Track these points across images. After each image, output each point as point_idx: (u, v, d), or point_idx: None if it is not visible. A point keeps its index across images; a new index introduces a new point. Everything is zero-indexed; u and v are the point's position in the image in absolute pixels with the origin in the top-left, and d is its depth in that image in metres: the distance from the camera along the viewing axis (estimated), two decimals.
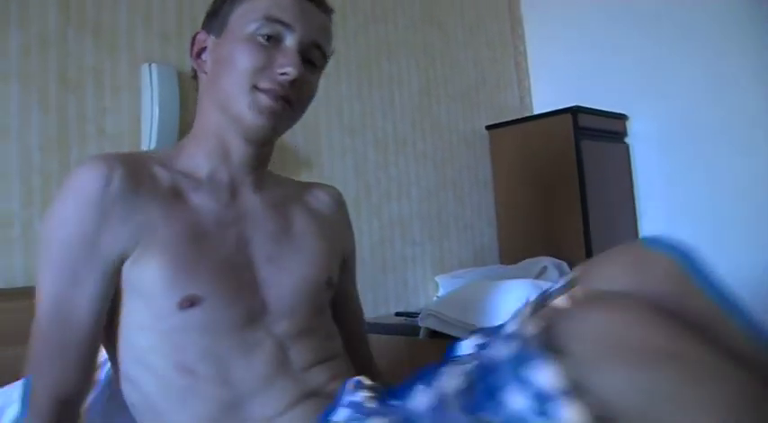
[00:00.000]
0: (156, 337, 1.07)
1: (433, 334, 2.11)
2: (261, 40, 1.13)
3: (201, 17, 2.11)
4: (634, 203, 3.08)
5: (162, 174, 1.13)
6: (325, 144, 2.57)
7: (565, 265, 2.72)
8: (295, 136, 2.45)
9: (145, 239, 1.06)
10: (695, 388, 0.70)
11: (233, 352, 1.08)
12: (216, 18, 1.19)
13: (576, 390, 0.72)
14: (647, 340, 0.73)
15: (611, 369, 0.72)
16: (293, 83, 1.12)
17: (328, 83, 2.59)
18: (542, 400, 0.74)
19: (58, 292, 1.04)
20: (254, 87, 1.12)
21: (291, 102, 1.14)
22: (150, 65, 2.08)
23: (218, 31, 1.18)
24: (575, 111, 2.84)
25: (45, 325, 1.05)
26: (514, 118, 3.23)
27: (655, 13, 3.05)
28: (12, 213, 1.83)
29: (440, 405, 0.90)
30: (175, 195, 1.13)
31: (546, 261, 2.67)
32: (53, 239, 1.04)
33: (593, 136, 2.90)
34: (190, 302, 1.05)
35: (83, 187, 1.03)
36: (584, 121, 2.86)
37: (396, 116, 2.84)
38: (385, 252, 2.72)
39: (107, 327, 1.09)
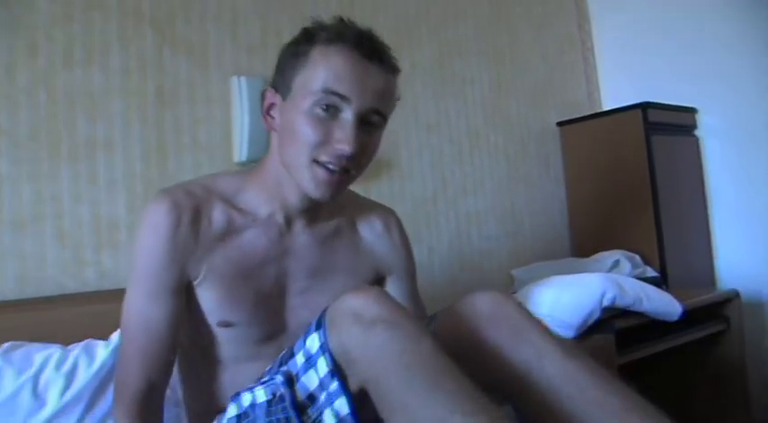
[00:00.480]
0: (196, 338, 1.36)
1: None
2: (320, 111, 1.22)
3: (283, 30, 2.28)
4: (705, 195, 3.10)
5: (222, 212, 1.33)
6: (403, 143, 2.68)
7: (637, 257, 2.77)
8: None
9: (205, 269, 1.30)
10: (394, 343, 1.04)
11: (249, 357, 1.36)
12: (281, 78, 1.29)
13: (326, 347, 1.10)
14: (372, 311, 1.07)
15: (347, 328, 1.08)
16: (350, 155, 1.22)
17: (404, 84, 2.66)
18: (310, 357, 1.14)
19: (141, 307, 1.29)
20: (314, 161, 1.23)
21: (349, 170, 1.26)
22: (239, 77, 2.21)
23: (283, 93, 1.28)
24: (644, 106, 2.88)
25: (132, 332, 1.30)
26: (584, 113, 3.29)
27: (722, 5, 3.07)
28: (118, 218, 2.00)
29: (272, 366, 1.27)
30: (231, 231, 1.33)
31: (618, 254, 2.72)
32: (137, 266, 1.29)
33: (662, 130, 2.93)
34: (225, 324, 1.32)
35: (158, 224, 1.27)
36: (654, 116, 2.90)
37: (468, 113, 2.93)
38: (462, 246, 2.81)
39: None
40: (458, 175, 2.85)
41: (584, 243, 3.14)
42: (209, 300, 1.31)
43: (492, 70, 3.06)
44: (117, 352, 1.43)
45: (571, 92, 3.43)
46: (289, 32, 2.30)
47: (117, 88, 2.03)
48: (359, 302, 1.09)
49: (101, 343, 1.65)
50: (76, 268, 1.91)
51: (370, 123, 1.26)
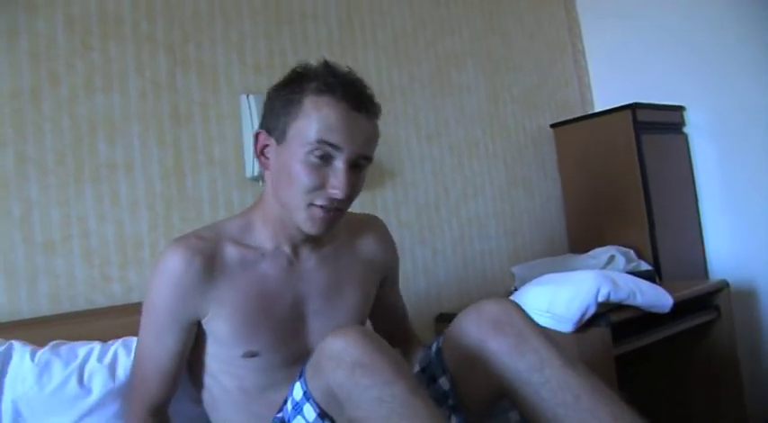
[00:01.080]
0: (227, 367, 1.46)
1: None
2: (315, 159, 1.32)
3: (287, 49, 2.39)
4: (694, 190, 3.21)
5: (233, 252, 1.44)
6: (405, 153, 2.79)
7: (631, 252, 2.88)
8: (379, 147, 2.67)
9: (214, 308, 1.40)
10: (373, 390, 1.13)
11: (278, 383, 1.44)
12: (275, 123, 1.39)
13: (309, 395, 1.23)
14: (352, 355, 1.16)
15: (332, 372, 1.17)
16: (343, 199, 1.35)
17: (405, 96, 2.82)
18: (296, 404, 1.27)
19: (149, 342, 1.44)
20: (311, 204, 1.36)
21: (342, 209, 1.40)
22: (248, 96, 2.31)
23: (278, 138, 1.39)
24: (633, 107, 2.99)
25: (141, 360, 1.47)
26: (577, 114, 3.41)
27: (708, 5, 3.16)
28: (142, 236, 2.11)
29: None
30: (243, 267, 1.44)
31: (613, 250, 2.83)
32: (148, 306, 1.43)
33: (652, 129, 3.05)
34: (251, 354, 1.43)
35: (170, 270, 1.38)
36: (643, 115, 3.01)
37: (467, 121, 3.05)
38: (465, 248, 2.93)
39: (193, 352, 1.48)
40: (459, 182, 2.97)
41: (580, 240, 3.25)
42: (229, 333, 1.42)
43: (488, 79, 3.18)
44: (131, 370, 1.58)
45: (564, 95, 3.54)
46: (292, 53, 2.45)
47: (134, 112, 2.15)
48: (339, 345, 1.18)
49: (136, 338, 1.77)
50: (104, 284, 2.03)
51: (359, 166, 1.39)
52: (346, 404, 1.16)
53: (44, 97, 1.99)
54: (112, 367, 1.68)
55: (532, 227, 3.23)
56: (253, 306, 1.43)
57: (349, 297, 1.57)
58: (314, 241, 1.51)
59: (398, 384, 1.14)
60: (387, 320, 1.83)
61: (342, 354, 1.17)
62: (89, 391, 1.63)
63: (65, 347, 1.70)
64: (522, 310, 1.43)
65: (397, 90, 2.81)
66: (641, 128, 3.00)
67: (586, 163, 3.20)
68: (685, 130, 3.26)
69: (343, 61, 2.59)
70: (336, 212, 1.39)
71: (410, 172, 2.80)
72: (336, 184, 1.33)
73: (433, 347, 1.54)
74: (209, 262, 1.39)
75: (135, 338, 1.75)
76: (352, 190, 1.37)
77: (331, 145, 1.32)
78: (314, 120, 1.32)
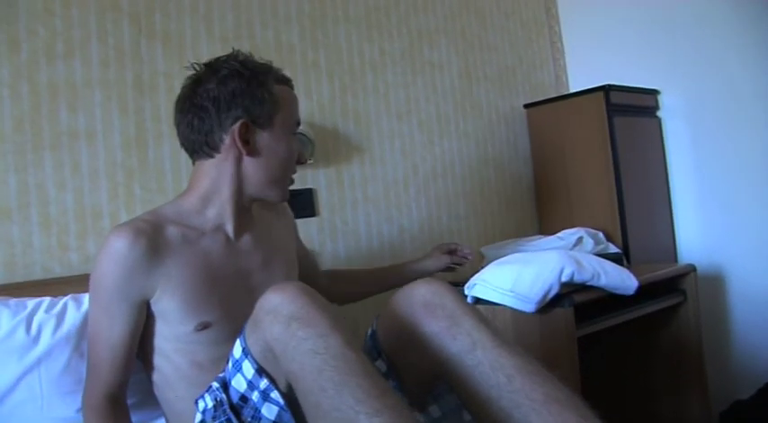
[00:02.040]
0: (179, 345, 1.49)
1: (478, 301, 2.30)
2: (293, 137, 1.61)
3: (255, 22, 2.37)
4: (666, 174, 3.21)
5: (174, 231, 1.49)
6: (375, 130, 2.78)
7: (600, 234, 2.88)
8: (347, 123, 2.67)
9: (162, 285, 1.44)
10: (307, 343, 1.16)
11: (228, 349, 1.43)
12: (258, 113, 1.52)
13: (247, 351, 1.27)
14: (289, 309, 1.20)
15: (270, 327, 1.20)
16: None
17: (375, 73, 2.80)
18: (235, 362, 1.30)
19: (99, 323, 1.46)
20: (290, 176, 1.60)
21: None
22: None
23: (262, 125, 1.54)
24: (607, 89, 2.98)
25: (94, 344, 1.48)
26: (551, 96, 3.39)
27: None
28: (101, 206, 2.09)
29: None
30: (186, 244, 1.49)
31: (582, 231, 2.83)
32: (96, 287, 1.46)
33: (625, 112, 3.04)
34: (203, 326, 1.47)
35: (114, 252, 1.42)
36: (616, 97, 3.00)
37: (438, 99, 3.03)
38: (432, 227, 2.92)
39: (143, 334, 1.51)
40: (428, 160, 2.95)
41: (550, 221, 3.25)
42: (178, 309, 1.46)
43: (461, 57, 3.15)
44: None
45: (539, 76, 3.53)
46: (260, 26, 2.43)
47: (97, 80, 2.11)
48: (277, 300, 1.23)
49: (87, 294, 1.78)
50: (61, 253, 2.01)
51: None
52: (282, 357, 1.18)
53: (2, 63, 1.96)
54: (60, 317, 1.70)
55: (502, 207, 3.22)
56: (201, 279, 1.49)
57: (285, 265, 1.70)
58: (244, 219, 1.62)
59: (333, 337, 1.16)
60: (310, 269, 2.00)
61: (279, 308, 1.21)
62: (36, 341, 1.64)
63: (14, 300, 1.72)
64: (454, 291, 1.44)
65: (368, 66, 2.78)
66: (614, 110, 2.99)
67: (558, 144, 3.19)
68: (659, 113, 3.26)
69: (313, 36, 2.60)
70: None
71: (378, 149, 2.78)
72: (302, 154, 1.65)
73: (368, 331, 1.54)
74: (152, 242, 1.44)
75: (86, 294, 1.78)
76: None
77: (299, 123, 1.64)
78: (288, 106, 1.58)
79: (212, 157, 1.55)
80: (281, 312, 1.20)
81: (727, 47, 3.01)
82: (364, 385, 1.10)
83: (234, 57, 1.56)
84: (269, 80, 1.54)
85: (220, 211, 1.56)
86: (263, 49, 2.43)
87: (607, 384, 2.78)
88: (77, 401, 1.62)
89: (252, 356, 1.27)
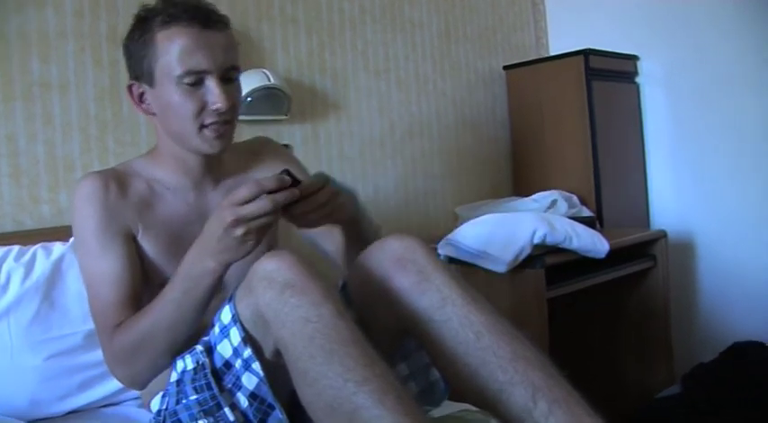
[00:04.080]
0: (145, 298, 1.45)
1: (451, 260, 2.32)
2: (187, 87, 1.38)
3: None
4: (642, 140, 3.23)
5: (142, 184, 1.50)
6: (352, 87, 2.76)
7: (574, 198, 2.90)
8: (324, 80, 2.65)
9: (141, 228, 1.46)
10: (300, 310, 1.15)
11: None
12: (141, 69, 1.43)
13: (236, 318, 1.24)
14: (284, 276, 1.18)
15: (263, 292, 1.18)
16: (226, 109, 1.40)
17: (354, 30, 2.78)
18: (223, 328, 1.27)
19: (95, 266, 1.44)
20: (201, 127, 1.42)
21: (229, 120, 1.45)
22: None
23: (149, 83, 1.43)
24: (587, 53, 2.98)
25: (96, 290, 1.44)
26: (531, 58, 3.38)
27: None
28: (73, 158, 2.07)
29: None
30: (154, 198, 1.50)
31: (556, 194, 2.85)
32: (80, 234, 1.45)
33: (603, 77, 3.04)
34: (165, 285, 1.39)
35: (91, 194, 1.41)
36: (595, 62, 3.00)
37: (417, 58, 3.01)
38: (408, 186, 2.93)
39: None
40: (405, 118, 2.94)
41: (525, 183, 3.25)
42: (151, 256, 1.47)
43: (441, 16, 3.13)
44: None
45: (519, 37, 3.51)
46: None
47: (70, 30, 2.08)
48: (272, 266, 1.20)
49: (57, 243, 1.82)
50: (33, 205, 2.00)
51: (229, 78, 1.44)
52: (273, 323, 1.17)
53: None
54: (30, 267, 1.71)
55: (478, 168, 3.22)
56: (167, 233, 1.49)
57: None
58: (214, 176, 1.57)
59: (326, 306, 1.15)
60: None
61: (274, 274, 1.19)
62: (5, 290, 1.66)
63: None
64: (426, 247, 1.42)
65: (347, 23, 2.76)
66: (593, 75, 3.00)
67: (536, 107, 3.20)
68: (637, 79, 3.27)
69: None
70: (226, 126, 1.45)
71: (355, 106, 2.77)
72: (215, 99, 1.39)
73: (339, 282, 1.54)
74: (122, 190, 1.46)
75: (56, 242, 1.82)
76: (232, 100, 1.43)
77: (196, 72, 1.38)
78: (172, 52, 1.37)
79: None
80: (275, 279, 1.18)
81: (707, 16, 3.02)
82: (354, 354, 1.11)
83: None
84: (154, 25, 1.39)
85: (174, 168, 1.53)
86: (241, 2, 2.40)
87: (575, 346, 2.83)
88: (46, 350, 1.66)
89: (240, 324, 1.24)
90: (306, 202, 1.32)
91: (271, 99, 2.34)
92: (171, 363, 1.37)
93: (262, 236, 1.25)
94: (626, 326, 2.78)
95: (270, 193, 1.22)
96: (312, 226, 1.41)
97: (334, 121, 2.69)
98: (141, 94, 1.48)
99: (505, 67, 3.34)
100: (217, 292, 1.35)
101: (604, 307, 2.82)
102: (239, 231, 1.22)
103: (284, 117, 2.45)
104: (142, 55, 1.41)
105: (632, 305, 2.76)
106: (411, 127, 2.96)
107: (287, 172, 1.27)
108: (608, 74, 3.09)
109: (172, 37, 1.37)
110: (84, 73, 2.11)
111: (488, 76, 3.31)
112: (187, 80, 1.38)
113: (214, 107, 1.39)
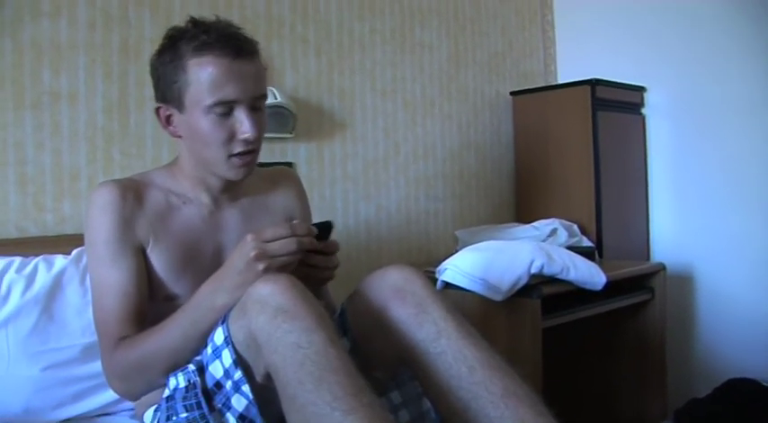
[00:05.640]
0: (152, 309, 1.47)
1: (448, 285, 2.33)
2: (216, 117, 1.42)
3: None
4: (646, 172, 3.24)
5: (159, 195, 1.51)
6: (358, 106, 2.78)
7: (575, 227, 2.91)
8: (331, 99, 2.67)
9: (152, 240, 1.47)
10: (292, 336, 1.16)
11: None
12: (170, 93, 1.45)
13: (229, 340, 1.26)
14: (277, 300, 1.19)
15: (256, 316, 1.19)
16: (255, 139, 1.44)
17: (363, 51, 2.80)
18: (216, 349, 1.28)
19: (104, 275, 1.44)
20: (230, 156, 1.45)
21: (255, 149, 1.49)
22: None
23: (179, 108, 1.46)
24: (594, 83, 2.99)
25: (102, 300, 1.45)
26: (538, 85, 3.40)
27: None
28: (79, 168, 2.09)
29: None
30: (170, 210, 1.51)
31: (557, 223, 2.85)
32: (92, 242, 1.46)
33: (609, 107, 3.06)
34: (169, 298, 1.48)
35: (107, 203, 1.43)
36: (602, 92, 3.01)
37: (425, 80, 3.03)
38: (409, 207, 2.94)
39: None
40: (410, 140, 2.96)
41: (527, 209, 3.27)
42: (159, 269, 1.48)
43: (451, 39, 3.15)
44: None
45: (527, 64, 3.52)
46: None
47: (82, 41, 2.10)
48: (266, 291, 1.21)
49: (59, 255, 1.83)
50: (37, 213, 2.01)
51: (257, 107, 1.47)
52: (265, 347, 1.19)
53: None
54: (31, 279, 1.72)
55: (480, 192, 3.23)
56: (178, 247, 1.50)
57: None
58: (231, 193, 1.60)
59: (318, 333, 1.17)
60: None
61: (267, 298, 1.20)
62: (5, 301, 1.67)
63: None
64: (425, 279, 1.45)
65: (357, 43, 2.78)
66: (599, 105, 3.01)
67: (541, 134, 3.21)
68: (643, 111, 3.28)
69: (303, 10, 2.58)
70: (252, 154, 1.48)
71: (361, 126, 2.79)
72: (245, 129, 1.42)
73: (338, 309, 1.55)
74: (139, 200, 1.47)
75: (58, 255, 1.83)
76: (260, 128, 1.46)
77: (226, 101, 1.41)
78: (203, 82, 1.40)
79: None
80: (268, 303, 1.20)
81: (716, 49, 3.03)
82: (343, 383, 1.12)
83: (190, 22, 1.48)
84: (186, 52, 1.41)
85: (194, 183, 1.55)
86: (252, 20, 2.42)
87: (569, 377, 2.83)
88: (43, 361, 1.67)
89: (233, 346, 1.26)
90: (326, 258, 1.39)
91: (277, 117, 2.35)
92: (165, 382, 1.39)
93: None
94: (621, 358, 2.78)
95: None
96: (319, 283, 1.46)
97: (340, 140, 2.71)
98: (169, 117, 1.50)
99: (512, 93, 3.35)
100: None
101: (600, 338, 2.82)
102: (260, 266, 1.25)
103: (289, 135, 2.46)
104: (173, 80, 1.43)
105: (628, 337, 2.76)
106: (415, 148, 2.98)
107: (318, 226, 1.34)
108: (614, 104, 3.10)
109: (203, 66, 1.39)
110: (94, 84, 2.12)
111: (495, 101, 3.33)
112: (217, 110, 1.40)
113: (243, 137, 1.43)
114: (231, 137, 1.43)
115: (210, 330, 1.31)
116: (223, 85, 1.39)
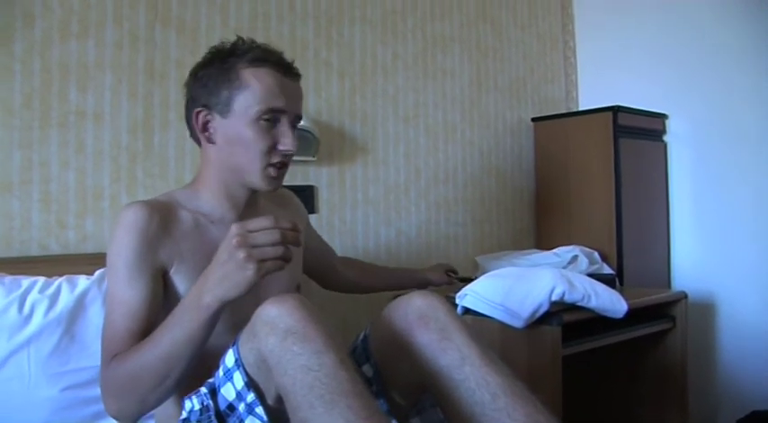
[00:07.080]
0: None
1: (468, 311, 2.31)
2: (264, 123, 1.49)
3: (271, 15, 2.37)
4: (668, 199, 3.22)
5: (186, 215, 1.52)
6: (380, 132, 2.79)
7: (596, 254, 2.89)
8: (353, 124, 2.68)
9: (176, 263, 1.46)
10: (302, 358, 1.15)
11: (219, 349, 1.39)
12: (216, 98, 1.50)
13: (240, 362, 1.26)
14: (286, 322, 1.19)
15: (265, 338, 1.19)
16: (293, 153, 1.52)
17: (386, 75, 2.81)
18: (227, 371, 1.29)
19: (121, 294, 1.42)
20: (268, 165, 1.50)
21: (288, 163, 1.56)
22: None
23: (222, 112, 1.50)
24: (615, 110, 2.99)
25: (115, 318, 1.42)
26: (560, 111, 3.41)
27: (699, 17, 3.16)
28: (103, 187, 2.10)
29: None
30: (197, 230, 1.52)
31: (578, 250, 2.84)
32: (114, 261, 1.44)
33: (631, 134, 3.05)
34: None
35: (133, 223, 1.42)
36: (624, 119, 3.01)
37: (446, 106, 3.04)
38: (430, 232, 2.94)
39: None
40: (431, 165, 2.96)
41: (548, 236, 3.26)
42: (183, 288, 1.47)
43: (473, 65, 3.16)
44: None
45: (549, 90, 3.54)
46: (276, 19, 2.44)
47: (109, 62, 2.13)
48: (275, 312, 1.21)
49: (82, 276, 1.84)
50: (59, 231, 2.02)
51: (296, 126, 1.56)
52: (275, 369, 1.18)
53: (15, 37, 1.97)
54: (54, 299, 1.73)
55: (501, 218, 3.23)
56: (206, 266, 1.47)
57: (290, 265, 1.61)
58: (253, 208, 1.63)
59: (328, 355, 1.16)
60: (328, 256, 2.17)
61: (276, 320, 1.20)
62: (28, 321, 1.67)
63: (9, 278, 1.75)
64: (448, 305, 1.45)
65: (379, 68, 2.79)
66: (621, 132, 3.00)
67: (563, 160, 3.20)
68: (665, 138, 3.27)
69: (328, 34, 2.61)
70: (285, 168, 1.57)
71: (383, 151, 2.79)
72: (287, 142, 1.51)
73: (361, 335, 1.55)
74: (166, 221, 1.47)
75: (81, 276, 1.83)
76: (296, 145, 1.53)
77: (276, 110, 1.49)
78: (256, 90, 1.47)
79: (200, 143, 1.59)
80: (277, 325, 1.19)
81: (738, 77, 3.02)
82: (354, 406, 1.11)
83: (239, 40, 1.56)
84: (239, 62, 1.49)
85: (219, 199, 1.57)
86: (276, 43, 2.38)
87: (589, 405, 2.80)
88: (63, 382, 1.67)
89: (243, 368, 1.26)
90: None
91: (300, 140, 2.35)
92: (160, 402, 1.38)
93: (262, 274, 1.24)
94: (642, 387, 2.75)
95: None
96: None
97: (362, 164, 2.71)
98: (206, 123, 1.53)
99: (534, 120, 3.36)
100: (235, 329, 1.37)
101: (621, 366, 2.79)
102: (241, 254, 1.22)
103: (312, 158, 2.47)
104: (222, 85, 1.49)
105: (649, 366, 2.73)
106: (437, 173, 2.98)
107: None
108: (636, 131, 3.09)
109: (259, 75, 1.48)
110: (119, 104, 2.15)
111: (516, 126, 3.33)
112: (266, 117, 1.47)
113: (284, 148, 1.50)
114: (272, 147, 1.50)
115: (199, 333, 1.30)
116: (276, 95, 1.48)
